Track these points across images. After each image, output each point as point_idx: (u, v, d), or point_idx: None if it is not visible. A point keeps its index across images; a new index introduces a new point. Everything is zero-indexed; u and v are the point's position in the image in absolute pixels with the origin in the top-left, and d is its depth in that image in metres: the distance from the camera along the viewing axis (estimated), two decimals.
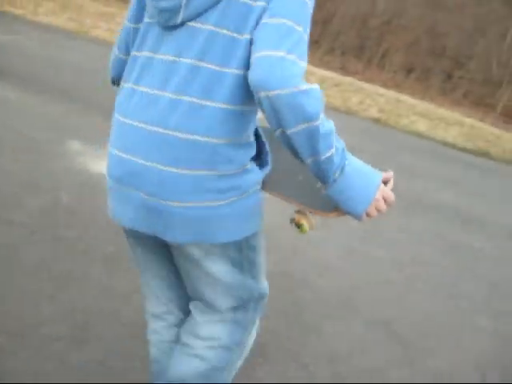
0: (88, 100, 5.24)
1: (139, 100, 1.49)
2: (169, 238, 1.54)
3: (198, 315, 1.74)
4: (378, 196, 1.47)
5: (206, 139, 1.42)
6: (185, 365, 1.74)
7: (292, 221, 1.67)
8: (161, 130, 1.44)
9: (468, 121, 9.54)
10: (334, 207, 1.53)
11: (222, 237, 1.54)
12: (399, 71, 18.25)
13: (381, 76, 17.49)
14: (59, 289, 2.65)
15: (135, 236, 1.69)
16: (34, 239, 2.97)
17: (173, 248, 1.62)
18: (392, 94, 9.96)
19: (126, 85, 1.55)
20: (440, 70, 18.47)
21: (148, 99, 1.47)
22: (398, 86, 15.67)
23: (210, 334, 1.72)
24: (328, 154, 1.37)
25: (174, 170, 1.44)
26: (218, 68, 1.41)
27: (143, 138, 1.47)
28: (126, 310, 2.63)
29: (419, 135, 7.51)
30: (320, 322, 2.84)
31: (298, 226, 1.66)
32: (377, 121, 7.46)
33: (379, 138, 6.69)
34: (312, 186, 1.61)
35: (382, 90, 10.13)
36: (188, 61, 1.42)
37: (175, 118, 1.43)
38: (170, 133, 1.43)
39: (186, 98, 1.42)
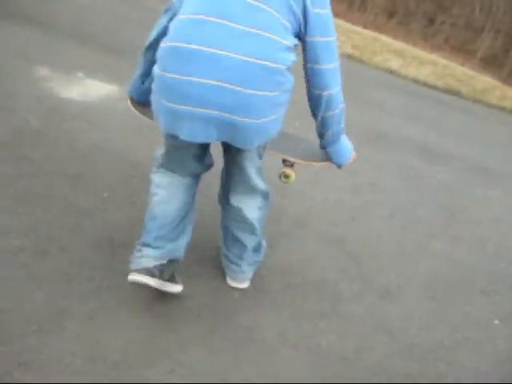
0: (58, 29, 5.20)
1: (217, 30, 1.82)
2: (242, 145, 2.02)
3: (246, 201, 2.35)
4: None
5: (278, 65, 1.86)
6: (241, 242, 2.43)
7: (282, 174, 2.48)
8: (243, 57, 1.82)
9: (442, 61, 9.57)
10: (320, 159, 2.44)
11: (269, 138, 2.06)
12: (381, 14, 18.03)
13: (362, 18, 17.29)
14: (23, 204, 2.73)
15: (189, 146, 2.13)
16: (1, 158, 3.02)
17: (235, 152, 2.18)
18: (369, 32, 9.94)
19: (189, 16, 1.86)
20: (422, 14, 18.29)
21: (229, 31, 1.82)
22: (378, 29, 15.52)
23: (252, 217, 2.36)
24: (341, 106, 2.20)
25: (253, 91, 1.85)
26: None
27: (229, 64, 1.82)
28: (89, 224, 2.73)
29: (392, 72, 7.55)
30: (276, 240, 2.97)
31: (287, 176, 2.48)
32: (350, 57, 7.47)
33: (351, 73, 6.70)
34: (299, 145, 2.57)
35: (359, 29, 10.09)
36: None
37: (256, 48, 1.83)
38: (252, 60, 1.82)
39: (267, 34, 1.85)
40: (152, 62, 2.03)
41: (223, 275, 2.61)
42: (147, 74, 2.27)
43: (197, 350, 2.23)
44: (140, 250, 2.29)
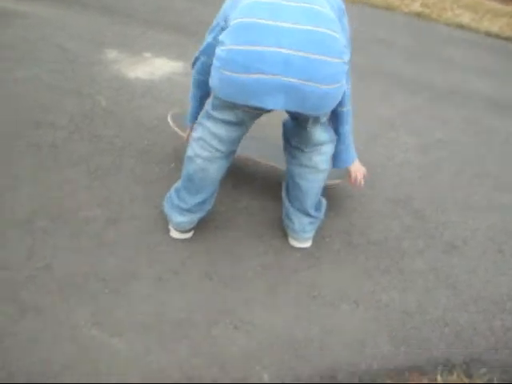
0: (127, 13, 5.38)
1: (281, 8, 1.98)
2: (311, 111, 2.13)
3: (312, 157, 2.45)
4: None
5: (338, 36, 2.01)
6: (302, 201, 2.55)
7: None
8: (309, 27, 1.95)
9: None
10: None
11: (333, 106, 2.18)
12: None
13: None
14: (95, 179, 2.91)
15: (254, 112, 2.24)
16: (74, 138, 3.22)
17: (302, 119, 2.31)
18: None
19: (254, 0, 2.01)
20: None
21: (293, 8, 1.98)
22: None
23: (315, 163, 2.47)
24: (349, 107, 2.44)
25: (321, 57, 1.95)
26: None
27: (296, 33, 1.95)
28: (156, 193, 2.86)
29: (463, 27, 7.28)
30: (339, 200, 3.01)
31: None
32: (419, 15, 7.26)
33: (420, 32, 6.56)
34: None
35: None
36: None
37: (319, 20, 1.98)
38: (316, 28, 1.96)
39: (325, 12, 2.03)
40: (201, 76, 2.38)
41: (285, 236, 2.69)
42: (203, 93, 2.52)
43: (260, 307, 2.32)
44: (183, 214, 2.50)
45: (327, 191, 2.83)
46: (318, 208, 2.62)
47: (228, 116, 2.27)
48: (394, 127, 3.87)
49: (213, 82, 2.13)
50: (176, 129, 3.04)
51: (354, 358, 2.18)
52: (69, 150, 3.10)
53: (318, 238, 2.72)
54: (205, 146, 2.37)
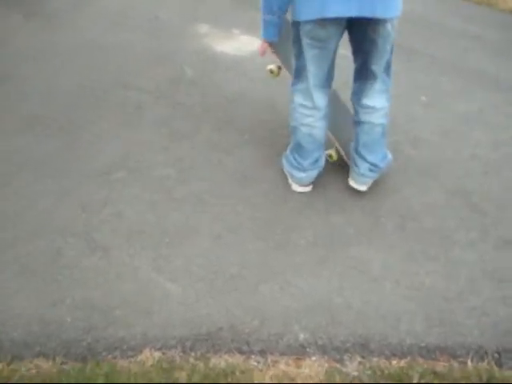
0: None
1: None
2: (382, 14, 2.36)
3: (378, 84, 2.68)
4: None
5: None
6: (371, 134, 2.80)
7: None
8: None
9: None
10: None
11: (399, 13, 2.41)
12: None
13: None
14: (173, 141, 3.15)
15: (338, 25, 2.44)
16: (158, 102, 3.47)
17: (371, 30, 2.46)
18: None
19: None
20: None
21: None
22: None
23: (382, 104, 2.73)
24: None
25: None
26: None
27: None
28: (228, 160, 3.07)
29: None
30: (399, 185, 3.10)
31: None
32: None
33: None
34: None
35: None
36: None
37: None
38: None
39: None
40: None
41: (341, 213, 2.83)
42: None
43: (307, 273, 2.49)
44: (301, 171, 2.86)
45: (389, 177, 2.96)
46: (383, 158, 2.92)
47: (311, 49, 2.51)
48: (467, 122, 3.88)
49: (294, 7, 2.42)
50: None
51: (387, 331, 2.31)
52: (152, 113, 3.35)
53: (373, 217, 2.84)
54: (304, 111, 2.69)
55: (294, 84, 2.74)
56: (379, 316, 2.35)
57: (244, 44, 4.40)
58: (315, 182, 2.99)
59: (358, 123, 2.83)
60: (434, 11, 6.00)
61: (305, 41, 2.49)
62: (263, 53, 2.70)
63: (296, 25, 2.51)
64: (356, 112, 2.83)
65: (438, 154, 3.46)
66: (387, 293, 2.46)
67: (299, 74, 2.65)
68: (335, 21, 2.39)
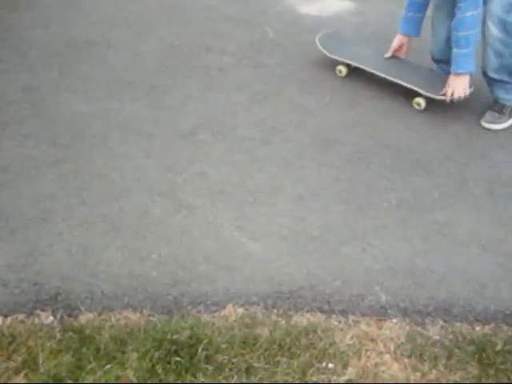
0: None
1: None
2: None
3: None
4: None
5: None
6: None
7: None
8: None
9: None
10: None
11: None
12: None
13: None
14: (255, 102, 3.16)
15: None
16: (241, 64, 3.49)
17: None
18: None
19: None
20: None
21: None
22: None
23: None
24: None
25: None
26: None
27: None
28: (310, 122, 3.06)
29: None
30: (487, 150, 2.99)
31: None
32: None
33: None
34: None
35: None
36: None
37: None
38: None
39: None
40: None
41: (426, 176, 2.77)
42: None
43: (389, 236, 2.46)
44: None
45: (478, 140, 2.87)
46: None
47: None
48: None
49: None
50: (326, 52, 3.34)
51: (472, 296, 2.26)
52: (235, 75, 3.38)
53: (461, 181, 2.77)
54: None
55: None
56: (464, 281, 2.30)
57: (327, 5, 4.33)
58: (399, 144, 2.93)
59: None
60: None
61: None
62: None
63: None
64: None
65: None
66: (473, 258, 2.40)
67: None
68: None
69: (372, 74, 3.27)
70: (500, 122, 3.09)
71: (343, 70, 3.38)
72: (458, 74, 2.94)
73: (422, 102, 3.14)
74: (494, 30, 2.92)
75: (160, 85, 3.27)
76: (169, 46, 3.65)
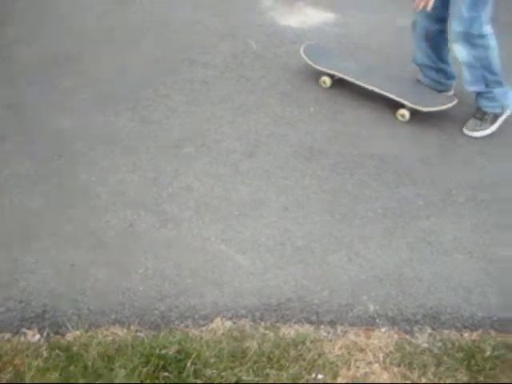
0: None
1: None
2: None
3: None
4: None
5: None
6: None
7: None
8: None
9: None
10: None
11: None
12: None
13: None
14: (238, 115, 3.17)
15: None
16: (224, 77, 3.50)
17: None
18: None
19: None
20: None
21: None
22: None
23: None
24: None
25: None
26: None
27: None
28: (294, 133, 3.07)
29: None
30: (469, 157, 3.02)
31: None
32: None
33: None
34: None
35: None
36: None
37: None
38: None
39: None
40: None
41: (411, 184, 2.78)
42: None
43: (375, 245, 2.47)
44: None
45: (461, 148, 2.90)
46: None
47: None
48: None
49: None
50: (310, 62, 3.39)
51: (459, 303, 2.27)
52: (218, 88, 3.39)
53: (445, 189, 2.79)
54: None
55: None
56: (450, 288, 2.31)
57: (308, 17, 4.35)
58: (383, 154, 2.95)
59: None
60: None
61: None
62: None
63: None
64: None
65: (509, 123, 3.34)
66: (459, 265, 2.41)
67: None
68: None
69: (354, 85, 3.29)
70: (482, 129, 3.12)
71: (327, 80, 3.40)
72: None
73: (406, 113, 3.16)
74: (459, 46, 2.97)
75: (144, 98, 3.27)
76: (153, 60, 3.65)
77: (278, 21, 4.22)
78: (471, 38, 2.91)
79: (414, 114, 3.16)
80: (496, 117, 3.12)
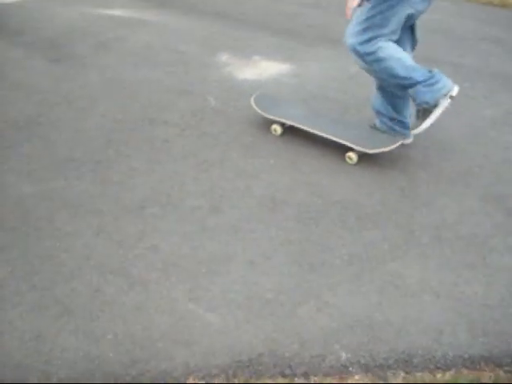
0: (239, 18, 5.70)
1: None
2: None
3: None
4: None
5: None
6: None
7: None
8: None
9: None
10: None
11: None
12: None
13: None
14: (202, 172, 3.19)
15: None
16: (185, 134, 3.54)
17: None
18: None
19: None
20: None
21: None
22: None
23: None
24: None
25: None
26: None
27: None
28: (257, 185, 3.10)
29: None
30: (433, 197, 3.08)
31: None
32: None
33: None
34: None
35: None
36: None
37: None
38: None
39: None
40: None
41: (375, 228, 2.83)
42: None
43: (344, 292, 2.48)
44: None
45: (421, 188, 2.95)
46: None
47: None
48: (496, 126, 3.86)
49: None
50: (261, 111, 3.49)
51: (430, 344, 2.28)
52: (179, 145, 3.42)
53: (408, 231, 2.83)
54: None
55: None
56: (420, 330, 2.33)
57: (264, 69, 4.46)
58: (346, 200, 3.00)
59: None
60: (452, 18, 5.99)
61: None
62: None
63: None
64: None
65: (468, 160, 3.45)
66: (427, 306, 2.44)
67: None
68: None
69: (314, 134, 3.36)
70: (417, 126, 3.21)
71: (278, 128, 3.51)
72: None
73: (353, 156, 3.27)
74: (360, 64, 3.16)
75: (105, 160, 3.28)
76: (112, 121, 3.67)
77: (236, 75, 4.31)
78: (365, 57, 3.09)
79: (367, 157, 3.23)
80: (427, 111, 3.15)
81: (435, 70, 3.10)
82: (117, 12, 5.76)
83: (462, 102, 4.02)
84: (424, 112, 3.13)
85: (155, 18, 5.55)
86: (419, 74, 3.05)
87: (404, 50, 3.17)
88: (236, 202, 2.98)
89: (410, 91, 3.10)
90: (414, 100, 3.14)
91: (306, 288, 2.49)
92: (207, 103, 3.90)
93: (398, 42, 3.11)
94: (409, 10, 2.97)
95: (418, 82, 3.05)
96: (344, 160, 3.31)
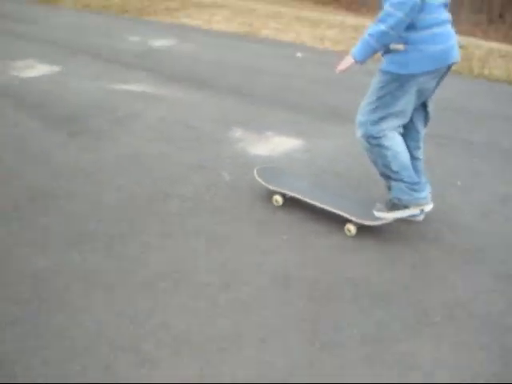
0: (251, 94, 5.86)
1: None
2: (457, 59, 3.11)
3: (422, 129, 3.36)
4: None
5: None
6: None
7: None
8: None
9: None
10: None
11: None
12: None
13: None
14: (214, 247, 3.22)
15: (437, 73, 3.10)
16: (198, 208, 3.58)
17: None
18: None
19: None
20: None
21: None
22: None
23: None
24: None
25: None
26: None
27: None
28: (269, 261, 3.11)
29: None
30: (446, 274, 3.08)
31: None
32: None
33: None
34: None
35: None
36: None
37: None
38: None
39: None
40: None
41: (386, 307, 2.81)
42: None
43: (356, 373, 2.45)
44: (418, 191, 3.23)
45: (434, 266, 2.95)
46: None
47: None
48: (507, 203, 3.88)
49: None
50: (263, 183, 3.59)
51: None
52: (193, 220, 3.47)
53: (420, 310, 2.82)
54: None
55: None
56: None
57: (276, 145, 4.55)
58: (357, 277, 3.00)
59: None
60: (462, 95, 6.12)
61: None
62: (346, 70, 3.09)
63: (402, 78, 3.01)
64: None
65: (481, 237, 3.45)
66: None
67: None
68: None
69: (314, 206, 3.44)
70: (379, 210, 3.31)
71: (279, 199, 3.61)
72: (349, 53, 3.08)
73: (352, 228, 3.32)
74: (361, 143, 3.27)
75: (119, 234, 3.32)
76: (127, 195, 3.74)
77: (248, 150, 4.40)
78: (369, 138, 3.20)
79: (378, 233, 3.28)
80: (395, 206, 3.27)
81: (423, 180, 3.33)
82: (132, 87, 5.96)
83: (473, 178, 4.07)
84: (393, 205, 3.27)
85: (169, 93, 5.73)
86: (407, 174, 3.22)
87: (416, 126, 3.30)
88: (248, 278, 2.99)
89: (393, 183, 3.25)
90: (390, 191, 3.30)
91: (318, 368, 2.46)
92: (220, 178, 3.97)
93: (410, 118, 3.22)
94: (417, 87, 3.06)
95: (403, 181, 3.22)
96: (353, 236, 3.33)
